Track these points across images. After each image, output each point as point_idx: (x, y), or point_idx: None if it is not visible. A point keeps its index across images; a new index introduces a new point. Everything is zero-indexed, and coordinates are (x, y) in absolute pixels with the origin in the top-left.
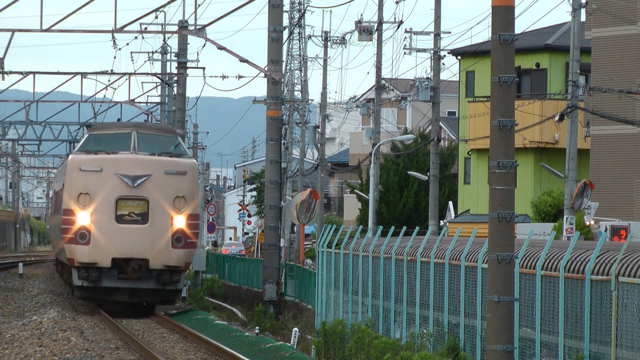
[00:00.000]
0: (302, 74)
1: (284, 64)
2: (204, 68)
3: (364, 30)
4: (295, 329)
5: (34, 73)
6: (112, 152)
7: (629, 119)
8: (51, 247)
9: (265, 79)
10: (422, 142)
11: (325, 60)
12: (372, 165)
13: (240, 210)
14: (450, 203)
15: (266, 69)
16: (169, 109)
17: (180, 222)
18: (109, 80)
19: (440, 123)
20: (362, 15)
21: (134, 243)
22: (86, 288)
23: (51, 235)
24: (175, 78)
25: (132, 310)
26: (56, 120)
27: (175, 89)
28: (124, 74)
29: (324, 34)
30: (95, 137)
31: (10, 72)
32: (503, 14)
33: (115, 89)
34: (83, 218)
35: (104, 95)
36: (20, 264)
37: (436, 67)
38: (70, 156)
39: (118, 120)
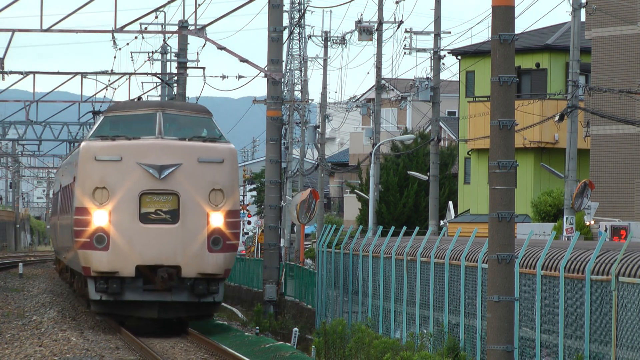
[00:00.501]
0: (302, 74)
1: (284, 64)
2: (204, 68)
3: (364, 30)
4: (295, 329)
5: (34, 73)
6: (133, 137)
7: (629, 119)
8: (51, 247)
9: (265, 79)
10: (422, 142)
11: (325, 60)
12: (372, 165)
13: (240, 210)
14: (450, 203)
15: (266, 69)
16: None
17: (217, 220)
18: (109, 80)
19: (440, 123)
20: (362, 15)
21: (162, 247)
22: (105, 302)
23: (51, 235)
24: (175, 78)
25: (159, 326)
26: (56, 120)
27: (175, 89)
28: (124, 74)
29: (324, 34)
30: (112, 120)
31: (10, 72)
32: (503, 14)
33: (115, 89)
34: (100, 218)
35: (104, 95)
36: (20, 264)
37: (436, 67)
38: (83, 143)
39: (138, 98)
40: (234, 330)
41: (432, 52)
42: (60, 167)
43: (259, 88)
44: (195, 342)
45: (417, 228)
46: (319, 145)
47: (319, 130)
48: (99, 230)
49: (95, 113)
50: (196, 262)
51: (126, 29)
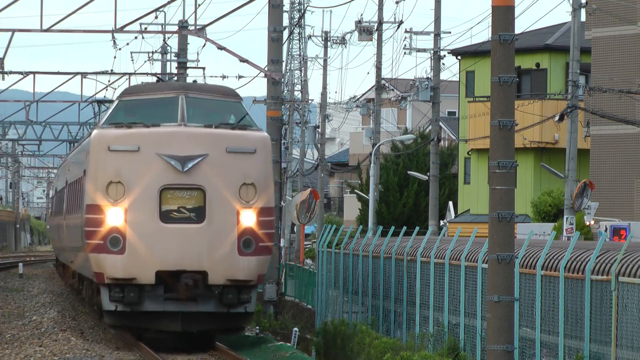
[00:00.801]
0: (302, 74)
1: (284, 64)
2: (204, 68)
3: (364, 30)
4: (295, 329)
5: (34, 73)
6: (152, 124)
7: (629, 119)
8: (51, 247)
9: (265, 79)
10: (422, 142)
11: (325, 60)
12: (372, 165)
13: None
14: (450, 203)
15: (266, 69)
16: None
17: (249, 218)
18: (109, 81)
19: (440, 123)
20: (362, 15)
21: (185, 250)
22: (121, 314)
23: (52, 237)
24: (175, 78)
25: (181, 339)
26: (56, 120)
27: None
28: (124, 74)
29: (324, 34)
30: (127, 105)
31: (10, 72)
32: (503, 14)
33: (115, 89)
34: (115, 216)
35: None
36: (20, 264)
37: (436, 67)
38: (95, 131)
39: (158, 80)
40: (268, 339)
41: (432, 52)
42: (64, 162)
43: (259, 88)
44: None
45: (417, 228)
46: (319, 145)
47: (319, 130)
48: (114, 231)
49: (100, 102)
50: (225, 267)
51: (126, 29)
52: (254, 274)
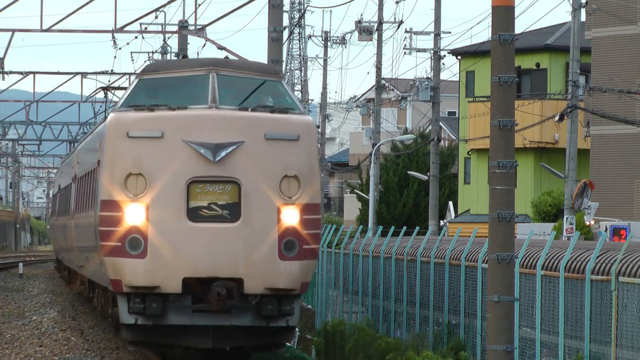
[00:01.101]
0: (302, 74)
1: (284, 64)
2: None
3: (364, 30)
4: (296, 328)
5: (34, 73)
6: (179, 106)
7: (629, 119)
8: (51, 247)
9: None
10: (422, 142)
11: (325, 60)
12: (372, 165)
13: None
14: (450, 203)
15: None
16: None
17: (291, 216)
18: (109, 81)
19: (440, 123)
20: (362, 15)
21: (217, 253)
22: (142, 328)
23: (56, 237)
24: None
25: (211, 358)
26: (56, 120)
27: None
28: (124, 74)
29: (324, 34)
30: (149, 84)
31: (10, 72)
32: (503, 14)
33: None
34: (135, 214)
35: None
36: (21, 264)
37: (436, 67)
38: (112, 115)
39: (183, 56)
40: None
41: (432, 52)
42: (71, 155)
43: None
44: None
45: (417, 228)
46: (319, 145)
47: (319, 130)
48: (134, 231)
49: (106, 89)
50: (263, 273)
51: (126, 29)
52: (297, 282)
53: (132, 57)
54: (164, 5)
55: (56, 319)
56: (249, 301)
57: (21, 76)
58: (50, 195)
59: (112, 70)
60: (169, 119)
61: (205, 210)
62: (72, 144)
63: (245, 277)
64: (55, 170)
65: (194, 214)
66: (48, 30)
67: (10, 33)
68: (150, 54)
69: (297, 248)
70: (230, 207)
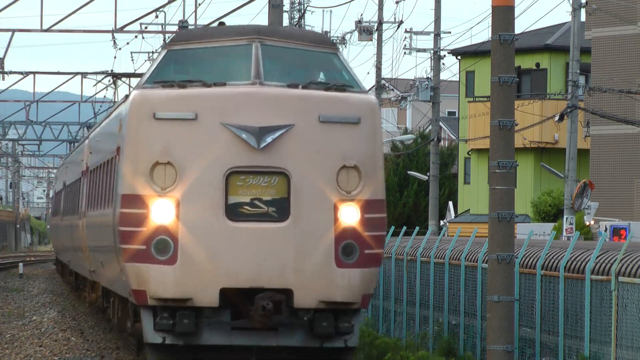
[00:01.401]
0: None
1: None
2: None
3: (364, 30)
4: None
5: (34, 73)
6: (215, 83)
7: (629, 119)
8: (51, 247)
9: None
10: (422, 142)
11: None
12: None
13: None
14: (450, 203)
15: None
16: None
17: (350, 215)
18: (109, 81)
19: (440, 123)
20: (362, 15)
21: (262, 259)
22: (171, 348)
23: (53, 236)
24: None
25: None
26: (56, 120)
27: None
28: (124, 74)
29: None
30: (180, 56)
31: (10, 72)
32: (503, 14)
33: (115, 89)
34: (163, 211)
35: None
36: (21, 264)
37: (436, 67)
38: (135, 92)
39: (219, 23)
40: None
41: (432, 52)
42: (80, 145)
43: None
44: None
45: (417, 228)
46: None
47: None
48: (161, 232)
49: (115, 76)
50: (317, 283)
51: (126, 29)
52: (357, 294)
53: (132, 57)
54: (164, 5)
55: (56, 319)
56: (300, 317)
57: (21, 76)
58: (55, 192)
59: (112, 70)
60: (203, 97)
61: (247, 207)
62: (72, 144)
63: (295, 287)
64: (55, 171)
65: (233, 212)
66: (48, 30)
67: (10, 33)
68: (150, 54)
69: (358, 253)
70: (277, 203)
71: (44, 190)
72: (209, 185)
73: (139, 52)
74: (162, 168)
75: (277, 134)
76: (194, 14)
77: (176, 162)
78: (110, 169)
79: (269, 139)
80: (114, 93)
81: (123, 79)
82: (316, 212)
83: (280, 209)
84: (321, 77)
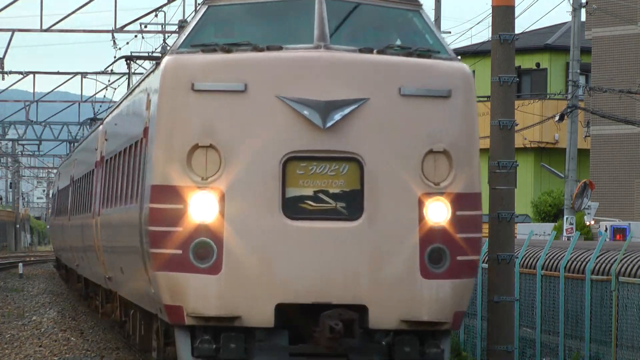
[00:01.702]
0: None
1: None
2: None
3: None
4: None
5: (34, 73)
6: (269, 46)
7: (629, 119)
8: (51, 247)
9: None
10: None
11: None
12: None
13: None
14: None
15: None
16: None
17: (439, 212)
18: (109, 80)
19: None
20: None
21: (329, 267)
22: None
23: (53, 237)
24: None
25: None
26: (56, 120)
27: None
28: (124, 74)
29: None
30: (223, 14)
31: (10, 72)
32: (503, 14)
33: (115, 88)
34: (204, 207)
35: (104, 95)
36: (20, 264)
37: None
38: (168, 59)
39: None
40: None
41: None
42: (90, 135)
43: None
44: None
45: None
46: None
47: None
48: (202, 232)
49: (129, 59)
50: (398, 297)
51: (126, 28)
52: (448, 311)
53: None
54: (164, 5)
55: (56, 319)
56: (377, 340)
57: (21, 76)
58: (52, 193)
59: (112, 70)
60: (254, 64)
61: (310, 202)
62: (72, 144)
63: (370, 303)
64: (55, 171)
65: (292, 208)
66: (48, 30)
67: (10, 33)
68: (150, 54)
69: (449, 260)
70: (347, 197)
71: (44, 190)
72: (262, 174)
73: (139, 52)
74: (202, 152)
75: (348, 110)
76: (193, 13)
77: (220, 145)
78: (134, 156)
79: (337, 117)
80: (128, 78)
81: (138, 61)
82: (396, 208)
83: (351, 205)
84: (399, 40)
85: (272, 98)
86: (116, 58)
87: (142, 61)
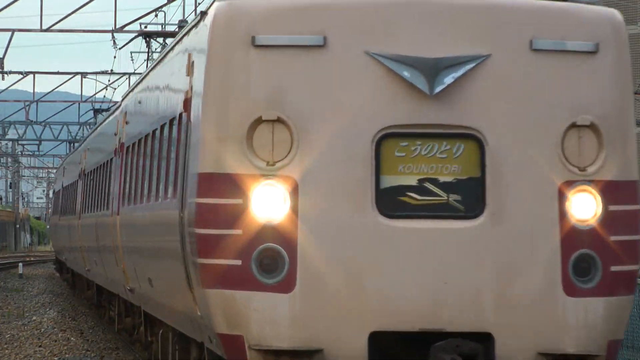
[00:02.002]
0: None
1: None
2: None
3: None
4: None
5: (34, 73)
6: None
7: None
8: (51, 247)
9: None
10: None
11: None
12: None
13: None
14: None
15: None
16: None
17: (586, 207)
18: (109, 80)
19: None
20: None
21: (441, 284)
22: None
23: (53, 237)
24: None
25: None
26: (56, 120)
27: None
28: (124, 73)
29: None
30: None
31: (10, 72)
32: None
33: (115, 88)
34: (270, 202)
35: (104, 95)
36: (20, 264)
37: None
38: (217, 5)
39: None
40: None
41: None
42: (112, 113)
43: None
44: None
45: None
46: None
47: None
48: (267, 237)
49: (148, 36)
50: (535, 322)
51: (126, 28)
52: (601, 340)
53: (132, 57)
54: (164, 5)
55: (56, 319)
56: None
57: (21, 76)
58: (56, 190)
59: (111, 70)
60: (336, 10)
61: (412, 195)
62: (72, 144)
63: (498, 331)
64: (55, 171)
65: (390, 203)
66: (48, 30)
67: (10, 33)
68: (150, 54)
69: (600, 271)
70: (463, 187)
71: (44, 190)
72: (348, 157)
73: (139, 52)
74: (268, 129)
75: (463, 70)
76: (193, 13)
77: (292, 119)
78: (169, 137)
79: (448, 80)
80: (147, 59)
81: (158, 38)
82: (529, 202)
83: (470, 198)
84: None
85: (360, 55)
86: (135, 35)
87: (162, 39)
